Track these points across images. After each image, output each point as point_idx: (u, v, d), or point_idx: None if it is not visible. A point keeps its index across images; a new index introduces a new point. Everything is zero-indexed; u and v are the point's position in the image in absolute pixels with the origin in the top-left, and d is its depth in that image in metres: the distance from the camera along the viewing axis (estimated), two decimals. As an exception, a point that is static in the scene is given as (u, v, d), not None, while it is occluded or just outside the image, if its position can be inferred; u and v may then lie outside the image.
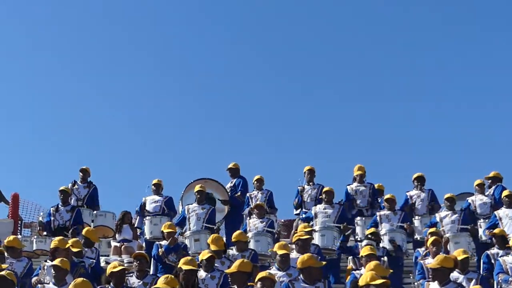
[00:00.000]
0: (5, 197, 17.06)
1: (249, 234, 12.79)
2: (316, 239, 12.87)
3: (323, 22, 35.07)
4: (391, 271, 9.56)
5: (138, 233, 15.12)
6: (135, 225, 15.31)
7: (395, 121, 32.39)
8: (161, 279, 8.28)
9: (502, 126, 30.06)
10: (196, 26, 35.74)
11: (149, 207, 15.03)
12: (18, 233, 17.04)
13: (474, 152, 29.06)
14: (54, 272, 9.53)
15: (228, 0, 36.86)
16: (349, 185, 15.12)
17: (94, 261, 11.74)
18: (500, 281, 10.75)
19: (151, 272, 11.85)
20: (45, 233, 14.47)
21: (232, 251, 11.81)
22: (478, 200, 14.48)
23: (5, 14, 35.15)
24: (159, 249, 12.16)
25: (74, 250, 10.95)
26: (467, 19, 34.24)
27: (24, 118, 33.45)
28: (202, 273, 10.01)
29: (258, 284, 8.42)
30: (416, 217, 14.36)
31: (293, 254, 10.71)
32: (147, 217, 14.63)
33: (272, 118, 33.49)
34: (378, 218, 13.80)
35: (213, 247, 10.86)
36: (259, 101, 34.46)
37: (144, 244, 14.60)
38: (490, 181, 15.16)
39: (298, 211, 15.12)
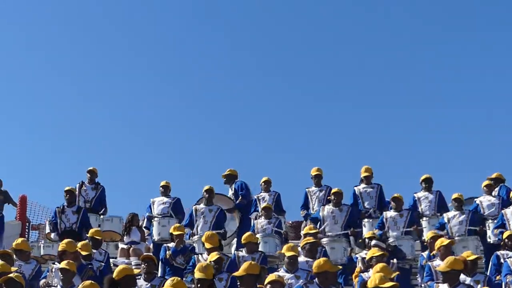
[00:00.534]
0: (13, 199, 17.05)
1: (257, 236, 12.77)
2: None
3: (329, 25, 35.09)
4: (398, 273, 9.55)
5: (146, 235, 15.10)
6: (144, 226, 15.28)
7: (403, 124, 32.37)
8: (168, 282, 8.25)
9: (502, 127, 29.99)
10: (196, 27, 35.76)
11: (157, 208, 14.90)
12: (26, 235, 17.10)
13: (478, 153, 29.02)
14: (61, 274, 9.57)
15: (228, 3, 36.86)
16: (356, 186, 15.10)
17: (103, 264, 11.74)
18: (508, 282, 10.72)
19: (159, 275, 11.82)
20: (52, 235, 14.47)
21: (242, 252, 11.82)
22: (486, 201, 14.38)
23: (5, 14, 35.26)
24: (167, 252, 12.15)
25: (84, 253, 10.96)
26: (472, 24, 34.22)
27: (34, 120, 33.56)
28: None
29: (268, 287, 8.43)
30: (424, 219, 14.30)
31: (301, 258, 10.70)
32: (155, 219, 14.55)
33: (278, 120, 33.51)
34: (384, 219, 13.74)
35: (207, 245, 10.85)
36: (265, 103, 34.49)
37: (151, 246, 14.58)
38: (492, 182, 15.10)
39: (304, 213, 15.03)
